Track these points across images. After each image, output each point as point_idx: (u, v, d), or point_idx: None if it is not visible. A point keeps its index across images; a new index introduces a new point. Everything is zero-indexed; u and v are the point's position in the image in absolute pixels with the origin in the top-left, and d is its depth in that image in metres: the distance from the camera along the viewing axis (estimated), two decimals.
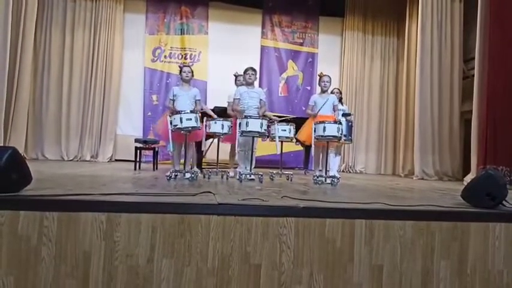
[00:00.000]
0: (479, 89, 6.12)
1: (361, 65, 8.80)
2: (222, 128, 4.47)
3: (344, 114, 5.61)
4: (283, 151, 5.37)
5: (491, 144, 5.71)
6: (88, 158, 7.62)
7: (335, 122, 4.57)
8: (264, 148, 6.05)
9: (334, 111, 5.17)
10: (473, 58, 6.46)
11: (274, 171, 5.16)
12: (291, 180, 4.80)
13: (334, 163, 5.93)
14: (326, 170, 4.70)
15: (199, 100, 4.82)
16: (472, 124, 6.22)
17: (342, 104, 6.15)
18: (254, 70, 5.09)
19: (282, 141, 5.02)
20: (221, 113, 5.33)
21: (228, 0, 8.38)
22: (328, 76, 5.23)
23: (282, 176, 5.11)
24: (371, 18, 8.84)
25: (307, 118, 5.40)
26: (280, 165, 5.45)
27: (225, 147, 5.34)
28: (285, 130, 4.78)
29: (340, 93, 6.25)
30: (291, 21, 8.74)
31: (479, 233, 2.56)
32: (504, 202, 2.80)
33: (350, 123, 5.71)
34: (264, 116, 4.80)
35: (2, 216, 2.11)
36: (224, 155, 5.29)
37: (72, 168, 5.39)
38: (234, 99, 5.07)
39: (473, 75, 6.40)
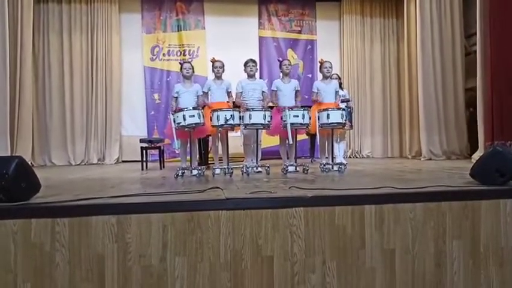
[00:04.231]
0: (482, 65, 6.03)
1: (362, 49, 8.69)
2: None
3: (343, 101, 5.58)
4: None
5: (497, 120, 5.65)
6: (95, 161, 7.65)
7: (338, 108, 4.53)
8: (268, 139, 6.02)
9: (336, 98, 5.12)
10: (475, 33, 6.36)
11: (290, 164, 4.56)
12: (306, 172, 4.38)
13: (340, 149, 5.92)
14: (332, 157, 4.68)
15: (201, 95, 4.82)
16: (478, 101, 6.15)
17: (342, 89, 6.11)
18: (255, 62, 5.05)
19: (296, 129, 4.48)
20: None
21: None
22: (329, 62, 5.16)
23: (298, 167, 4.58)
24: (368, 1, 8.70)
25: None
26: (295, 155, 5.22)
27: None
28: (297, 116, 4.26)
29: (339, 78, 6.20)
30: (288, 9, 8.63)
31: (490, 210, 2.54)
32: None
33: (349, 110, 5.67)
34: (268, 108, 4.68)
35: (14, 225, 2.14)
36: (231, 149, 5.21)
37: (80, 172, 5.42)
38: (237, 93, 5.05)
39: (476, 51, 6.31)
